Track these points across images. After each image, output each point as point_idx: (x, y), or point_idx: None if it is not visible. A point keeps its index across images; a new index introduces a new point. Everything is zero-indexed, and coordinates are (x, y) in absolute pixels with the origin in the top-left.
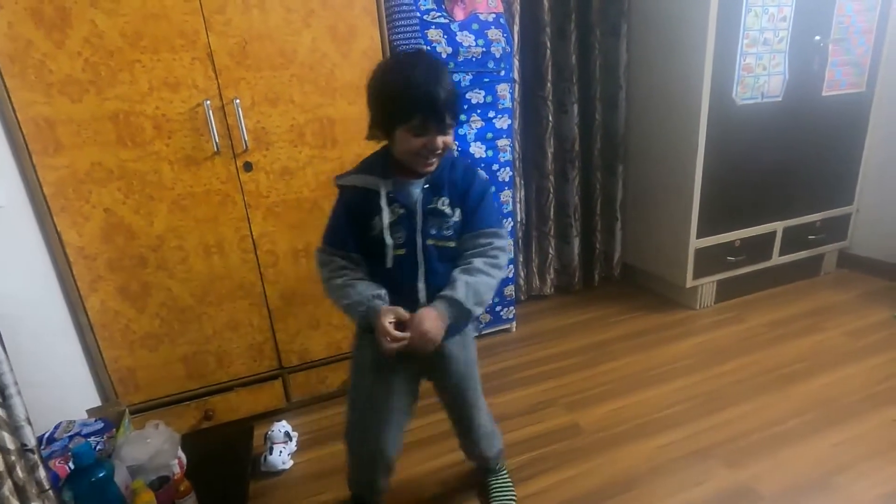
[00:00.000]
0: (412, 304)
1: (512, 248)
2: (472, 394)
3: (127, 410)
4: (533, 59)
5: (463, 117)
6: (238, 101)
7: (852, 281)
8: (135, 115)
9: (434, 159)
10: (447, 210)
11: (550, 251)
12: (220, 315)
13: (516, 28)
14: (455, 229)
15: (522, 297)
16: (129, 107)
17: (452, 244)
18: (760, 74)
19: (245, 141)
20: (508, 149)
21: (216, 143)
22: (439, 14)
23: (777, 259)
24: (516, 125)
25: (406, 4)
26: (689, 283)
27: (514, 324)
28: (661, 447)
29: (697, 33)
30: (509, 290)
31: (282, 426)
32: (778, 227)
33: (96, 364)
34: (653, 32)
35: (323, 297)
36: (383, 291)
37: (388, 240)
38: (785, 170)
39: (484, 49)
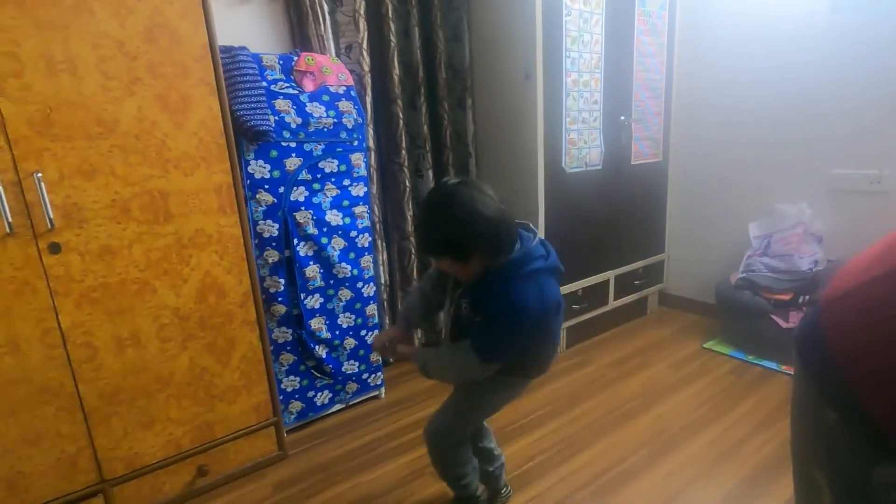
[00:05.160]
0: None
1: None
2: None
3: None
4: (387, 128)
5: (317, 186)
6: (40, 174)
7: (671, 317)
8: None
9: None
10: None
11: None
12: (13, 429)
13: (369, 99)
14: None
15: (391, 360)
16: None
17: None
18: (583, 147)
19: (50, 219)
20: (366, 215)
21: (8, 223)
22: (287, 85)
23: (613, 303)
24: (374, 190)
25: (250, 75)
26: None
27: (383, 389)
28: (526, 502)
29: (530, 111)
30: (375, 356)
31: None
32: (610, 275)
33: None
34: (494, 107)
35: (159, 391)
36: None
37: None
38: (611, 226)
39: (335, 120)
